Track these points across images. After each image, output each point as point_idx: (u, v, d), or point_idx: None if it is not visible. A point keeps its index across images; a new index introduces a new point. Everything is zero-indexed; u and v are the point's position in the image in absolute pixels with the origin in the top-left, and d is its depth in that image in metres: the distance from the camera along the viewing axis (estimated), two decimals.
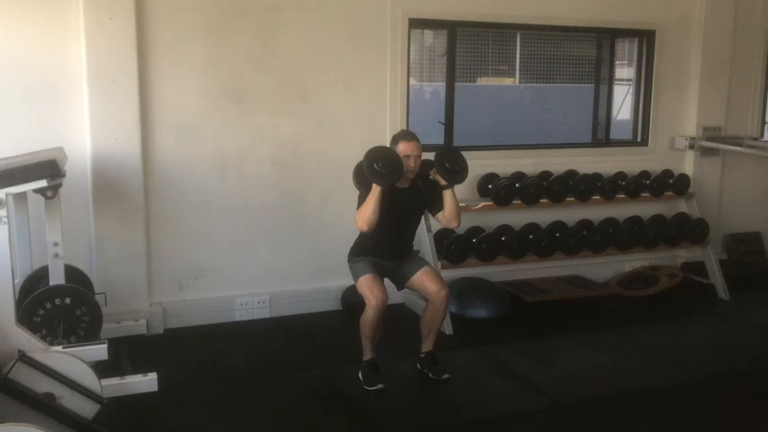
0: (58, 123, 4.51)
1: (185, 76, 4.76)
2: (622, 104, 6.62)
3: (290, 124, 5.05)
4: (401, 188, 3.97)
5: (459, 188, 5.34)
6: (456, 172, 4.02)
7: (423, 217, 4.42)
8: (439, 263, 5.02)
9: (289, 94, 5.02)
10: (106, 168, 4.56)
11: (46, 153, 3.77)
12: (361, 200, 3.92)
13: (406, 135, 4.01)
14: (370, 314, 3.90)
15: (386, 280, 4.07)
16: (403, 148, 3.92)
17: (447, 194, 4.02)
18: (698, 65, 6.17)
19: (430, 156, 4.08)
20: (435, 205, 4.07)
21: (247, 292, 5.09)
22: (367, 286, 3.90)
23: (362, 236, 4.03)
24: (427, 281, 4.05)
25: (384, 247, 4.02)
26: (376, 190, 3.80)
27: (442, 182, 4.00)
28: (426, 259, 4.85)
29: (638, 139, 6.28)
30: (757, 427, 3.74)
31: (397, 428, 3.66)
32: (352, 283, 5.01)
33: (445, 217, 4.07)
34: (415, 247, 4.27)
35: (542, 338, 4.85)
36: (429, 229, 4.97)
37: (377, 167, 3.78)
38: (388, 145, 4.04)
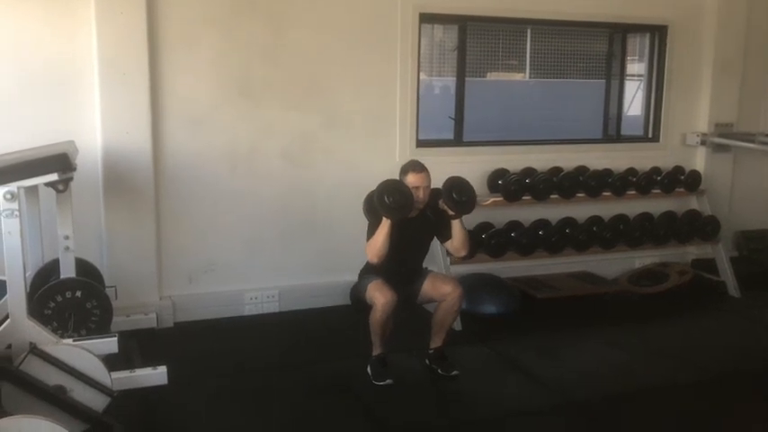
0: (68, 117, 4.52)
1: (196, 69, 4.76)
2: (633, 100, 6.59)
3: (299, 118, 5.04)
4: (410, 217, 3.99)
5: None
6: (464, 203, 4.04)
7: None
8: (450, 266, 5.02)
9: (299, 88, 5.02)
10: (117, 162, 4.57)
11: (57, 147, 3.78)
12: (371, 230, 3.96)
13: (415, 166, 4.02)
14: (378, 311, 3.90)
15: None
16: (412, 179, 3.96)
17: (455, 224, 4.06)
18: (710, 60, 6.13)
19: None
20: (444, 234, 4.12)
21: (257, 286, 5.09)
22: (375, 287, 3.93)
23: (374, 265, 4.03)
24: (439, 284, 4.08)
25: (394, 274, 4.02)
26: (386, 224, 3.84)
27: (450, 212, 4.02)
28: (438, 262, 4.87)
29: (650, 135, 6.25)
30: None
31: (405, 424, 3.66)
32: None
33: (453, 246, 4.12)
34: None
35: (551, 335, 4.84)
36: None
37: (388, 201, 3.83)
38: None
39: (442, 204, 4.04)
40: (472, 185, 4.15)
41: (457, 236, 4.07)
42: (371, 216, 3.99)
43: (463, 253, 4.16)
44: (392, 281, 3.98)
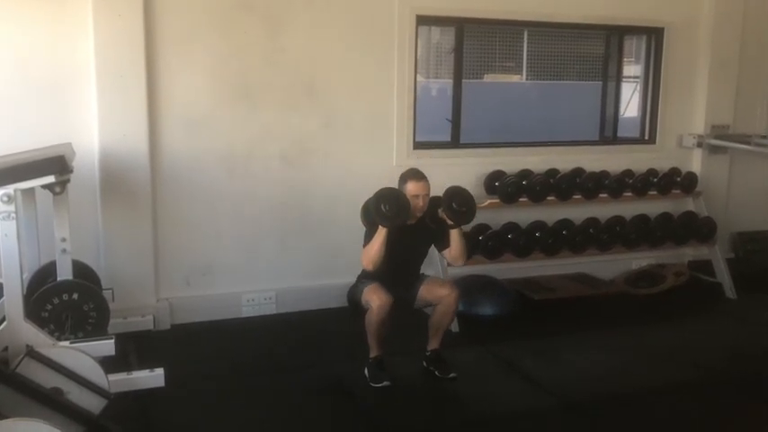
0: (66, 119, 4.52)
1: (193, 72, 4.77)
2: (630, 102, 6.61)
3: (297, 121, 5.05)
4: (408, 224, 3.99)
5: (465, 186, 5.33)
6: (464, 213, 4.04)
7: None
8: (447, 267, 5.03)
9: (296, 90, 5.02)
10: (114, 164, 4.57)
11: (54, 149, 3.78)
12: (368, 237, 3.96)
13: (414, 175, 4.02)
14: (374, 313, 3.91)
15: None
16: (412, 188, 3.96)
17: (454, 233, 4.05)
18: (706, 62, 6.14)
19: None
20: (442, 242, 4.11)
21: (254, 288, 5.10)
22: (372, 290, 3.93)
23: (371, 272, 4.03)
24: (436, 287, 4.08)
25: (391, 280, 4.01)
26: (382, 231, 3.84)
27: (450, 222, 4.02)
28: (435, 264, 4.86)
29: (646, 137, 6.26)
30: (766, 426, 3.73)
31: (403, 426, 3.66)
32: None
33: (451, 255, 4.12)
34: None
35: (548, 337, 4.84)
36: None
37: (384, 210, 3.83)
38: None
39: (441, 213, 4.03)
40: (472, 195, 4.15)
41: (455, 245, 4.07)
42: (368, 224, 3.99)
43: (461, 262, 4.16)
44: (389, 286, 3.98)
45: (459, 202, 4.03)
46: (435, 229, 4.09)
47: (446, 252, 4.14)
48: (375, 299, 3.89)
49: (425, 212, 4.03)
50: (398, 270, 4.05)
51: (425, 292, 4.10)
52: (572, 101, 6.79)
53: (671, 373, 4.29)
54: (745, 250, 6.52)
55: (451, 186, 4.10)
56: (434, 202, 4.05)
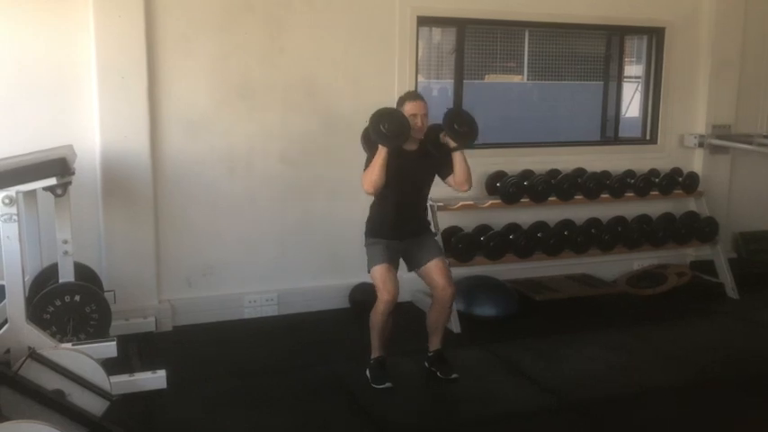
0: (67, 121, 4.52)
1: (194, 72, 4.77)
2: (631, 102, 6.60)
3: (298, 121, 5.05)
4: (409, 150, 3.93)
5: None
6: (465, 133, 3.94)
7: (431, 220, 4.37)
8: (447, 261, 5.01)
9: (297, 90, 5.02)
10: (115, 166, 4.57)
11: (55, 151, 3.79)
12: (369, 163, 3.88)
13: (411, 95, 3.98)
14: (380, 308, 3.89)
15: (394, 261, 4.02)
16: (409, 107, 3.89)
17: (457, 157, 3.95)
18: (707, 62, 6.14)
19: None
20: (445, 169, 4.00)
21: (256, 289, 5.09)
22: (380, 279, 3.88)
23: (376, 207, 3.99)
24: (437, 274, 4.00)
25: (397, 220, 3.94)
26: (382, 151, 3.77)
27: (452, 144, 3.93)
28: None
29: (647, 137, 6.25)
30: None
31: (405, 427, 3.66)
32: (361, 281, 5.04)
33: (456, 180, 4.00)
34: (433, 229, 4.20)
35: (550, 337, 4.84)
36: (437, 229, 4.95)
37: (383, 129, 3.76)
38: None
39: (443, 137, 3.95)
40: (473, 116, 4.05)
41: (459, 169, 3.95)
42: (369, 149, 3.92)
43: (466, 187, 4.01)
44: (397, 235, 3.92)
45: (460, 122, 3.94)
46: (438, 156, 3.99)
47: (451, 179, 4.01)
48: (383, 291, 3.85)
49: (427, 139, 3.96)
50: (404, 206, 3.96)
51: (428, 269, 4.01)
52: (573, 101, 6.78)
53: (672, 374, 4.28)
54: (747, 250, 6.52)
55: (451, 108, 4.06)
56: (435, 128, 3.98)
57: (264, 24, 4.89)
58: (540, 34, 6.14)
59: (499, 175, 5.54)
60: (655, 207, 5.94)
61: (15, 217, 3.18)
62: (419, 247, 4.05)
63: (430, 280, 4.04)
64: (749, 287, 5.83)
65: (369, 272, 3.97)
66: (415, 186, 4.04)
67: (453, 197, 5.14)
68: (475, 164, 5.44)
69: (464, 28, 5.50)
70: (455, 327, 4.83)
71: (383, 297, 3.86)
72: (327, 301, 5.21)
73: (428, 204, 4.32)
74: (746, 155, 6.30)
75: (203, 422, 3.62)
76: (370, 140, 3.88)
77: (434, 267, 4.01)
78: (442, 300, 4.01)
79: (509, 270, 5.58)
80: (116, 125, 4.54)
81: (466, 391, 4.00)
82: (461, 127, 3.93)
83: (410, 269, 4.16)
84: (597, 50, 6.26)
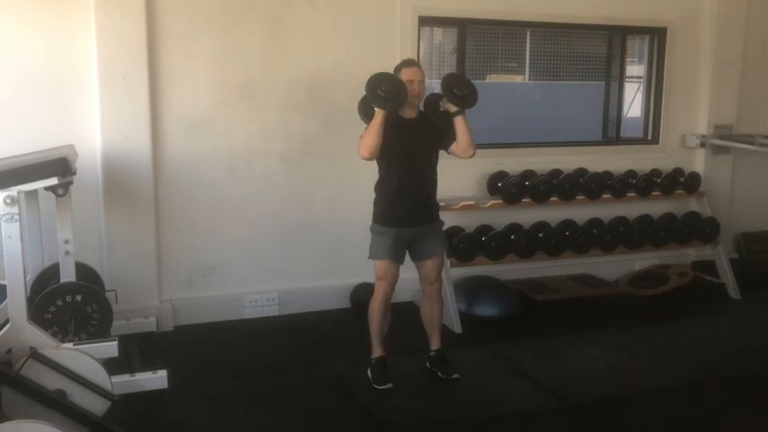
0: (68, 121, 4.52)
1: (195, 72, 4.77)
2: (633, 102, 6.60)
3: (299, 121, 5.05)
4: (408, 118, 3.92)
5: (468, 186, 5.32)
6: (465, 96, 3.91)
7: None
8: (451, 269, 5.03)
9: (298, 91, 5.02)
10: (116, 166, 4.58)
11: (57, 151, 3.79)
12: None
13: (407, 62, 3.98)
14: (375, 305, 3.96)
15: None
16: (406, 74, 3.87)
17: (459, 122, 3.89)
18: (709, 62, 6.13)
19: None
20: (447, 138, 3.95)
21: (257, 289, 5.09)
22: (381, 271, 3.93)
23: (381, 186, 3.97)
24: (432, 267, 4.06)
25: (404, 199, 3.90)
26: (379, 114, 3.74)
27: (453, 108, 3.88)
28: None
29: (649, 137, 6.25)
30: None
31: (406, 427, 3.66)
32: (361, 281, 5.04)
33: (459, 147, 3.92)
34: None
35: (552, 337, 4.84)
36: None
37: (380, 92, 3.74)
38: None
39: (443, 104, 3.93)
40: (470, 81, 4.02)
41: (462, 135, 3.87)
42: (366, 116, 3.90)
43: (471, 152, 3.92)
44: (404, 220, 3.90)
45: (458, 86, 3.93)
46: (439, 125, 3.97)
47: (454, 147, 3.95)
48: (381, 283, 3.91)
49: (427, 108, 3.96)
50: (410, 182, 3.90)
51: (424, 263, 4.04)
52: (575, 101, 6.78)
53: (674, 374, 4.28)
54: (749, 250, 6.51)
55: (447, 74, 4.05)
56: (434, 97, 3.98)
57: (266, 24, 4.89)
58: (541, 34, 6.14)
59: (501, 176, 5.54)
60: (656, 207, 5.94)
61: (17, 217, 3.18)
62: (425, 240, 4.03)
63: (423, 270, 4.09)
64: (751, 287, 5.83)
65: (369, 257, 3.99)
66: (418, 158, 3.97)
67: (454, 197, 5.15)
68: (476, 164, 5.47)
69: (465, 28, 5.50)
70: (456, 327, 4.83)
71: (380, 288, 3.94)
72: (328, 302, 5.22)
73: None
74: (748, 155, 6.29)
75: (204, 422, 3.62)
76: (368, 109, 3.85)
77: (432, 263, 4.07)
78: (428, 292, 4.10)
79: (510, 270, 5.58)
80: (117, 125, 4.54)
81: (467, 392, 4.00)
82: (461, 90, 3.91)
83: (412, 258, 4.14)
84: (599, 50, 6.25)
